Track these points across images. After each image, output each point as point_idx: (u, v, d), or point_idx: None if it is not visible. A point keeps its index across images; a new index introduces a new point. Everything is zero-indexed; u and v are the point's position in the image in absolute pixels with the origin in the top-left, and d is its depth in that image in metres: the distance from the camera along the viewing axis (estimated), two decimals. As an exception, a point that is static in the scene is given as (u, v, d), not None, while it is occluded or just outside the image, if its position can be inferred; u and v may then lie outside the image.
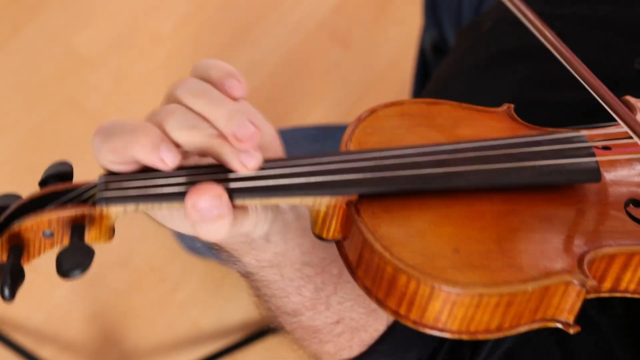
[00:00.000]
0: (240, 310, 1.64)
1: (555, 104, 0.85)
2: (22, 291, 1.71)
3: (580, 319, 0.60)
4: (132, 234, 1.65)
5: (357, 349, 0.74)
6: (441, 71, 1.10)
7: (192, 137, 0.57)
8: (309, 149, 1.24)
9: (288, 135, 1.08)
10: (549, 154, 0.61)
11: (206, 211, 0.56)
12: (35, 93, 1.77)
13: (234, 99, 0.59)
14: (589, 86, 0.63)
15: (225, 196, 0.56)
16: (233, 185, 0.57)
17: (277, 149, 0.64)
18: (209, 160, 0.60)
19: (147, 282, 1.65)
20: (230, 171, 0.58)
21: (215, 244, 0.66)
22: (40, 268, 1.79)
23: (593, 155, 0.62)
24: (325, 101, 1.82)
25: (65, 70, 1.79)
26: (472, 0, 1.23)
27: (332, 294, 0.70)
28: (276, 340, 1.60)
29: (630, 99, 0.69)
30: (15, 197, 0.59)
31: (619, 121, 0.61)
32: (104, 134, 0.57)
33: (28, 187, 1.80)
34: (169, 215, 0.62)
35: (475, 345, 0.75)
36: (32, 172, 1.94)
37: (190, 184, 0.57)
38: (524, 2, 0.68)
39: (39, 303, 1.62)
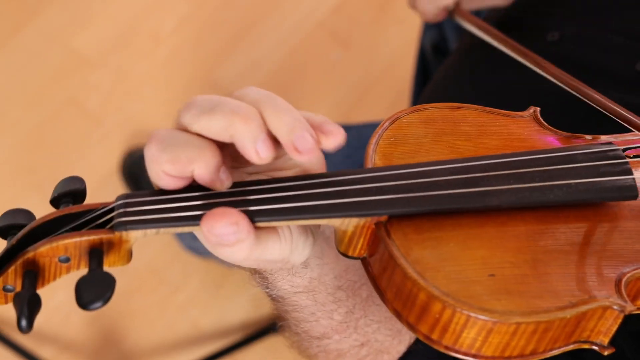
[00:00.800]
0: (240, 310, 1.64)
1: (562, 105, 0.85)
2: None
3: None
4: (132, 234, 1.65)
5: None
6: (444, 70, 1.10)
7: (212, 121, 0.54)
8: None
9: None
10: (584, 171, 0.60)
11: (223, 236, 0.53)
12: (35, 93, 1.77)
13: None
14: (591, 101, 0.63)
15: (243, 221, 0.54)
16: (254, 207, 0.55)
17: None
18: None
19: (147, 282, 1.65)
20: (252, 193, 0.55)
21: (257, 272, 0.64)
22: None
23: (630, 172, 0.60)
24: (325, 101, 1.82)
25: (65, 70, 1.79)
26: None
27: (361, 317, 0.69)
28: (276, 340, 1.60)
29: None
30: (28, 213, 0.57)
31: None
32: (164, 143, 0.54)
33: (28, 187, 1.80)
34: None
35: None
36: (32, 172, 1.94)
37: (210, 206, 0.54)
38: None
39: (39, 303, 1.62)
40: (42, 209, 0.58)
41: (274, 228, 0.57)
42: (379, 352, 0.71)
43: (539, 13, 0.96)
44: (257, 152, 0.53)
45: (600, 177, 0.60)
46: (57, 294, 1.62)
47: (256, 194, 0.56)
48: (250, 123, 0.53)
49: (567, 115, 0.75)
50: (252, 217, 0.54)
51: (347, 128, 0.58)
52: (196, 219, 0.54)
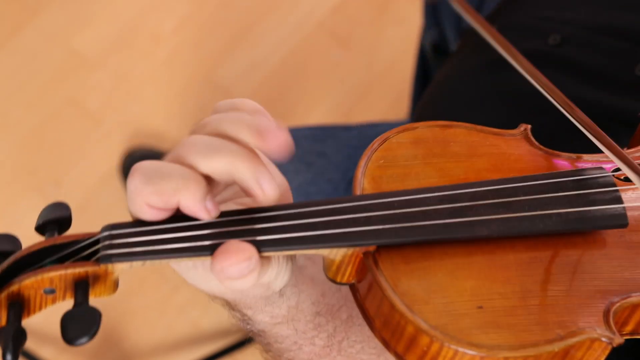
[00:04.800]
0: (240, 310, 1.64)
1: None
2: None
3: None
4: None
5: None
6: (446, 72, 1.10)
7: (214, 162, 0.54)
8: (309, 149, 1.24)
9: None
10: (574, 200, 0.59)
11: (237, 273, 0.53)
12: (35, 93, 1.77)
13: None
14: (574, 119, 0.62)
15: (255, 253, 0.54)
16: (263, 237, 0.55)
17: (288, 199, 0.62)
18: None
19: (147, 282, 1.65)
20: (243, 223, 0.55)
21: (231, 304, 0.64)
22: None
23: (620, 200, 0.59)
24: (325, 101, 1.82)
25: (65, 70, 1.79)
26: (472, 1, 1.23)
27: (343, 339, 0.68)
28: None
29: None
30: (13, 239, 0.56)
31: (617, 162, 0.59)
32: (147, 175, 0.54)
33: (28, 187, 1.81)
34: (193, 268, 0.59)
35: None
36: (32, 172, 1.95)
37: (201, 238, 0.54)
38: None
39: (39, 303, 1.62)
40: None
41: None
42: None
43: (540, 16, 0.96)
44: (263, 191, 0.54)
45: (590, 207, 0.59)
46: (57, 294, 1.62)
47: (264, 222, 0.56)
48: (254, 165, 0.54)
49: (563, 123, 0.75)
50: (260, 246, 0.54)
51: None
52: (187, 251, 0.54)
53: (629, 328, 0.59)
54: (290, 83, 1.83)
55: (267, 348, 0.69)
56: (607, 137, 0.61)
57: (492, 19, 1.06)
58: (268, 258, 0.57)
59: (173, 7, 1.87)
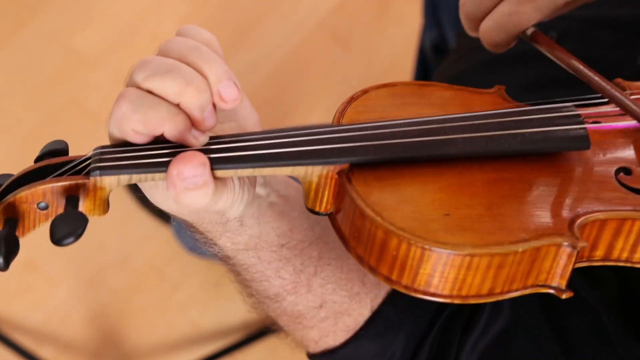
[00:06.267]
0: (240, 310, 1.64)
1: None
2: (22, 291, 1.71)
3: (573, 300, 0.60)
4: (131, 235, 1.65)
5: (342, 334, 0.74)
6: (443, 72, 1.10)
7: (167, 82, 0.57)
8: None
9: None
10: (538, 122, 0.62)
11: (191, 178, 0.56)
12: (35, 93, 1.77)
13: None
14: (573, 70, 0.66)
15: (209, 165, 0.57)
16: (217, 155, 0.58)
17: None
18: None
19: (147, 282, 1.65)
20: (215, 144, 0.59)
21: (191, 225, 0.67)
22: (40, 268, 1.79)
23: (582, 123, 0.62)
24: (326, 101, 1.82)
25: (65, 70, 1.79)
26: (472, 0, 1.23)
27: (312, 276, 0.70)
28: (276, 340, 1.60)
29: (622, 81, 0.70)
30: (8, 176, 0.60)
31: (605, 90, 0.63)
32: (135, 104, 0.58)
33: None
34: (155, 186, 0.62)
35: (466, 328, 0.75)
36: (32, 172, 1.90)
37: (178, 154, 0.57)
38: None
39: (39, 303, 1.62)
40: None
41: (224, 179, 0.60)
42: (339, 314, 0.73)
43: None
44: (204, 119, 0.58)
45: (553, 127, 0.62)
46: (57, 294, 1.62)
47: (219, 144, 0.59)
48: (201, 95, 0.57)
49: None
50: (216, 164, 0.58)
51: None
52: (166, 165, 0.57)
53: (599, 253, 0.61)
54: (290, 83, 1.83)
55: (237, 278, 0.72)
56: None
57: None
58: (223, 181, 0.59)
59: (173, 7, 1.87)
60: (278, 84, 1.82)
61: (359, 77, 1.84)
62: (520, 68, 0.93)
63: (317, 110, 1.81)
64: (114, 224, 1.63)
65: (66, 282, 1.63)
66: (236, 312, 1.64)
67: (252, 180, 0.64)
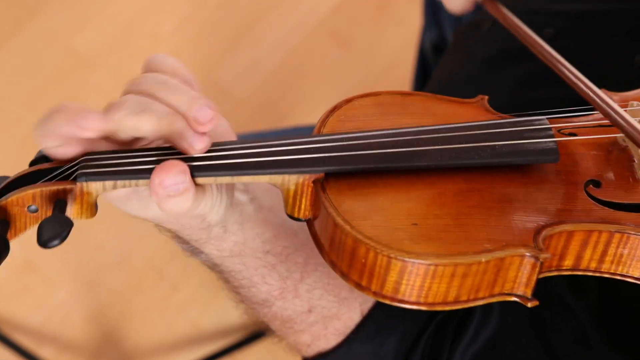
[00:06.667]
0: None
1: (553, 99, 0.85)
2: (22, 292, 1.71)
3: (558, 307, 0.62)
4: (131, 235, 1.65)
5: (333, 338, 0.75)
6: (440, 71, 1.10)
7: (143, 122, 0.60)
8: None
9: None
10: (508, 135, 0.63)
11: (172, 187, 0.58)
12: (35, 93, 1.77)
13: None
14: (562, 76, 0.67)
15: (189, 172, 0.59)
16: (197, 162, 0.60)
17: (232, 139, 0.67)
18: None
19: (147, 282, 1.65)
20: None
21: (175, 235, 0.69)
22: (40, 269, 1.78)
23: (552, 136, 0.63)
24: (326, 101, 1.82)
25: (65, 70, 1.79)
26: (472, 0, 1.23)
27: (299, 282, 0.72)
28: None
29: (607, 91, 0.71)
30: (5, 179, 0.62)
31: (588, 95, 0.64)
32: (35, 126, 0.63)
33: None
34: (133, 198, 0.64)
35: (457, 334, 0.76)
36: (32, 172, 1.90)
37: (160, 161, 0.59)
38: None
39: (39, 303, 1.62)
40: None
41: (202, 185, 0.61)
42: (328, 318, 0.74)
43: (528, 9, 0.96)
44: (191, 145, 0.60)
45: (523, 140, 0.63)
46: (57, 294, 1.62)
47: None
48: (174, 125, 0.59)
49: (558, 107, 0.76)
50: (197, 171, 0.59)
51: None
52: (148, 172, 0.59)
53: (568, 262, 0.62)
54: (290, 83, 1.83)
55: (226, 285, 0.74)
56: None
57: (487, 16, 1.07)
58: (202, 188, 0.61)
59: (173, 7, 1.87)
60: (278, 84, 1.82)
61: (359, 77, 1.84)
62: (514, 64, 0.93)
63: (317, 110, 1.81)
64: (114, 224, 1.63)
65: (66, 283, 1.63)
66: (236, 312, 1.64)
67: (230, 185, 0.66)
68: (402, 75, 1.71)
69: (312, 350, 0.76)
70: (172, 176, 0.58)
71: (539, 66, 0.77)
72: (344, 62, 1.85)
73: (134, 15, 1.85)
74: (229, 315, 1.64)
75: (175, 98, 0.60)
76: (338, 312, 0.74)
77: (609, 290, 0.74)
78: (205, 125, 0.59)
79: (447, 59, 1.10)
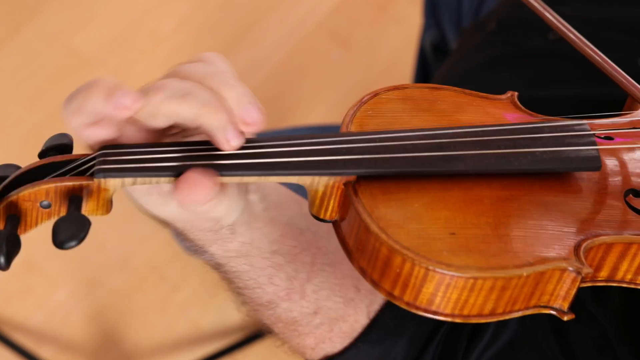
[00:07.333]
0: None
1: (559, 99, 0.85)
2: (23, 291, 1.72)
3: (580, 313, 0.60)
4: (131, 235, 1.65)
5: (339, 340, 0.73)
6: (445, 71, 1.10)
7: (184, 106, 0.56)
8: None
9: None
10: (549, 141, 0.61)
11: (196, 203, 0.56)
12: (35, 93, 1.77)
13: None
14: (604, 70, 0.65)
15: (216, 182, 0.56)
16: (225, 161, 0.57)
17: None
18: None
19: (147, 282, 1.65)
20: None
21: (182, 232, 0.66)
22: (40, 269, 1.79)
23: (594, 143, 0.61)
24: (325, 101, 1.82)
25: (65, 70, 1.79)
26: (472, 0, 1.23)
27: (306, 282, 0.70)
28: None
29: None
30: (15, 167, 0.59)
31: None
32: (66, 101, 0.58)
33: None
34: (150, 193, 0.61)
35: (473, 336, 0.75)
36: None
37: (185, 158, 0.56)
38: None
39: (39, 303, 1.62)
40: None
41: (223, 186, 0.59)
42: (334, 320, 0.72)
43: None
44: (227, 140, 0.56)
45: (564, 147, 0.61)
46: (57, 294, 1.62)
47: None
48: (217, 115, 0.56)
49: (567, 106, 0.75)
50: (224, 170, 0.57)
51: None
52: (172, 169, 0.56)
53: (603, 274, 0.60)
54: (290, 83, 1.83)
55: (230, 286, 0.71)
56: None
57: (492, 17, 1.07)
58: (223, 189, 0.59)
59: (173, 7, 1.87)
60: (278, 84, 1.82)
61: (359, 77, 1.84)
62: (524, 64, 0.93)
63: (317, 110, 1.81)
64: (114, 224, 1.63)
65: (66, 283, 1.63)
66: (236, 312, 1.64)
67: (244, 187, 0.64)
68: (402, 75, 1.71)
69: (317, 354, 0.74)
70: (202, 193, 0.55)
71: (545, 66, 0.77)
72: (344, 62, 1.85)
73: (134, 15, 1.85)
74: (229, 315, 1.64)
75: (225, 90, 0.57)
76: (344, 314, 0.72)
77: (631, 299, 0.73)
78: (250, 126, 0.57)
79: (452, 59, 1.10)
